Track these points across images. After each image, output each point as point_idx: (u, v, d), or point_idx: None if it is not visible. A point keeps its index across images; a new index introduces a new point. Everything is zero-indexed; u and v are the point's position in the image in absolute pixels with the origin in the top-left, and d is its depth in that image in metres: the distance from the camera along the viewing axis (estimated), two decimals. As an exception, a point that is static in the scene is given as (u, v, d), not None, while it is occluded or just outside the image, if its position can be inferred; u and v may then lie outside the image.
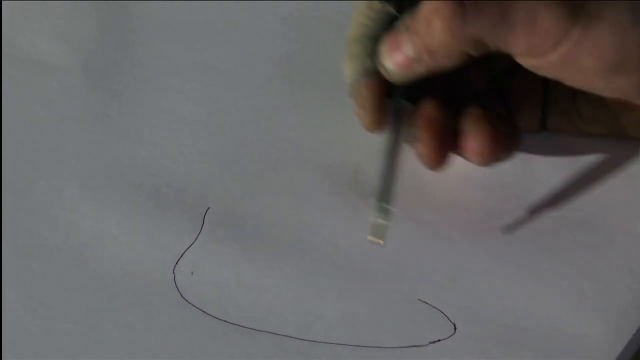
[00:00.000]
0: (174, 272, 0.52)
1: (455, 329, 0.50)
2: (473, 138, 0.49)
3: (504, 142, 0.50)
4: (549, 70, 0.48)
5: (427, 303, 0.50)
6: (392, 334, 0.49)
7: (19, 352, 0.50)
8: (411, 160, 0.51)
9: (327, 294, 0.51)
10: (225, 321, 0.50)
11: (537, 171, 0.55)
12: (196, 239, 0.53)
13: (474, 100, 0.51)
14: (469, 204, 0.54)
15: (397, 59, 0.49)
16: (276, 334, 0.50)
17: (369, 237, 0.49)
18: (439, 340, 0.49)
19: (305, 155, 0.56)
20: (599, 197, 0.54)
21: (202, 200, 0.54)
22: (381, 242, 0.49)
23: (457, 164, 0.54)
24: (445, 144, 0.50)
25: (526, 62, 0.48)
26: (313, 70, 0.60)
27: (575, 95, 0.53)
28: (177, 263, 0.52)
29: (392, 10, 0.52)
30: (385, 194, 0.50)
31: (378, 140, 0.51)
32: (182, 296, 0.51)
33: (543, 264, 0.51)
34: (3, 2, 0.63)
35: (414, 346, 0.49)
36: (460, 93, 0.52)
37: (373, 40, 0.51)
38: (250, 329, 0.50)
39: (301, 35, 0.61)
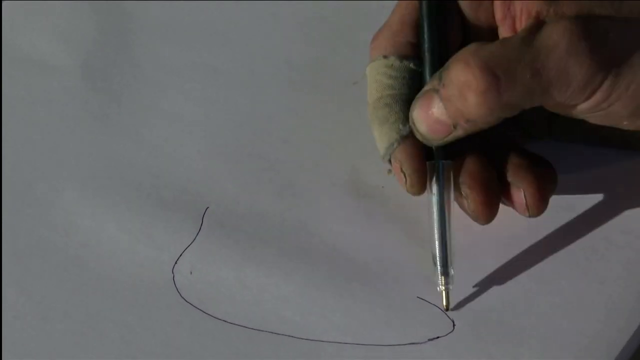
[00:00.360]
0: (173, 272, 0.52)
1: (454, 326, 0.50)
2: (519, 192, 0.49)
3: (548, 190, 0.50)
4: (577, 115, 0.48)
5: (426, 301, 0.50)
6: (391, 332, 0.49)
7: (19, 352, 0.50)
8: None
9: (326, 293, 0.51)
10: (224, 321, 0.50)
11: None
12: (195, 238, 0.53)
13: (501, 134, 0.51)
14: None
15: (432, 125, 0.48)
16: (275, 333, 0.50)
17: (444, 305, 0.50)
18: (438, 337, 0.49)
19: (305, 155, 0.56)
20: (598, 198, 0.54)
21: (201, 200, 0.54)
22: (447, 306, 0.50)
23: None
24: (493, 198, 0.50)
25: (556, 110, 0.48)
26: (313, 71, 0.60)
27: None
28: (176, 263, 0.52)
29: (413, 66, 0.50)
30: (444, 259, 0.50)
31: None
32: (181, 296, 0.51)
33: (543, 264, 0.51)
34: (3, 2, 0.63)
35: (412, 343, 0.49)
36: (491, 133, 0.50)
37: (401, 103, 0.50)
38: (250, 328, 0.50)
39: (301, 36, 0.61)
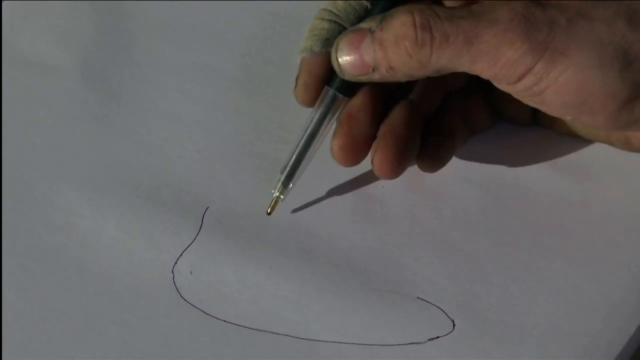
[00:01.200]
0: (172, 272, 0.52)
1: (454, 326, 0.50)
2: (377, 153, 0.51)
3: (408, 160, 0.51)
4: (519, 97, 0.49)
5: (426, 301, 0.50)
6: (391, 332, 0.49)
7: (19, 352, 0.50)
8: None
9: (326, 293, 0.51)
10: (224, 321, 0.50)
11: (535, 170, 0.55)
12: (195, 238, 0.53)
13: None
14: (466, 203, 0.54)
15: (353, 61, 0.49)
16: (275, 333, 0.50)
17: (267, 210, 0.52)
18: (438, 337, 0.49)
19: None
20: (598, 196, 0.54)
21: (201, 200, 0.54)
22: (268, 212, 0.52)
23: (456, 165, 0.54)
24: (358, 143, 0.51)
25: (495, 84, 0.49)
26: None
27: None
28: (176, 263, 0.52)
29: (367, 5, 0.52)
30: (290, 171, 0.52)
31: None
32: (181, 296, 0.51)
33: (542, 263, 0.51)
34: (3, 2, 0.63)
35: (412, 343, 0.49)
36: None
37: (335, 25, 0.51)
38: (249, 328, 0.50)
39: (300, 36, 0.61)
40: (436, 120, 0.54)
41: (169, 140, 0.57)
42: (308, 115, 0.52)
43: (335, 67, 0.50)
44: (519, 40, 0.46)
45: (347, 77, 0.50)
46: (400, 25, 0.48)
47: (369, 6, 0.51)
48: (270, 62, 0.60)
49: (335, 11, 0.52)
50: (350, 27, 0.50)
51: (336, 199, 0.54)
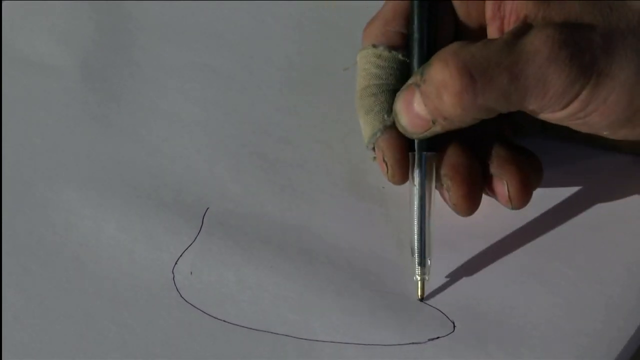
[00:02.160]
0: (173, 272, 0.52)
1: (454, 326, 0.50)
2: (502, 184, 0.49)
3: (532, 183, 0.50)
4: (556, 121, 0.48)
5: (426, 303, 0.50)
6: (391, 332, 0.49)
7: (19, 352, 0.50)
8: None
9: (326, 293, 0.51)
10: (224, 321, 0.50)
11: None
12: (195, 239, 0.53)
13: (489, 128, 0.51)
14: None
15: (412, 119, 0.48)
16: (275, 333, 0.50)
17: (418, 295, 0.50)
18: (438, 337, 0.49)
19: (305, 156, 0.56)
20: (598, 198, 0.54)
21: (201, 201, 0.54)
22: (420, 297, 0.50)
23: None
24: (475, 190, 0.49)
25: (534, 115, 0.48)
26: (312, 71, 0.60)
27: None
28: (176, 263, 0.52)
29: (401, 57, 0.50)
30: (422, 250, 0.50)
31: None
32: (181, 296, 0.51)
33: (542, 263, 0.51)
34: (3, 2, 0.63)
35: (412, 343, 0.49)
36: (478, 125, 0.50)
37: (387, 93, 0.50)
38: (250, 328, 0.50)
39: (300, 36, 0.61)
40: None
41: (169, 140, 0.57)
42: (409, 189, 0.50)
43: (403, 132, 0.49)
44: (565, 68, 0.45)
45: (415, 137, 0.49)
46: (437, 74, 0.46)
47: (401, 56, 0.50)
48: (270, 62, 0.60)
49: (378, 81, 0.50)
50: (400, 89, 0.49)
51: (336, 199, 0.54)
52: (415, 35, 0.50)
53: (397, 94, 0.49)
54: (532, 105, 0.46)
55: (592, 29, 0.46)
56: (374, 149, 0.51)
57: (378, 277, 0.51)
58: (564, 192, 0.54)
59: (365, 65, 0.51)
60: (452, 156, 0.50)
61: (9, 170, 0.56)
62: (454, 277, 0.51)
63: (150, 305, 0.51)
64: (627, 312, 0.50)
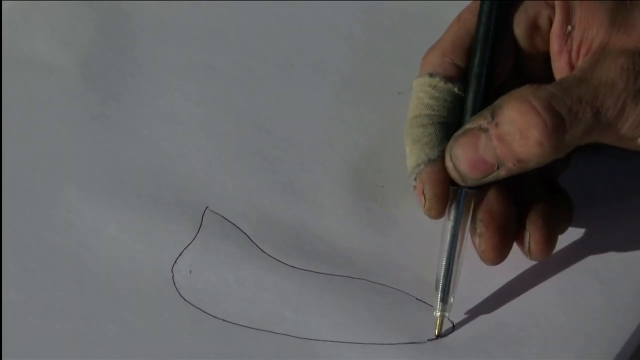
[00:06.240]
0: (172, 272, 0.52)
1: (453, 326, 0.50)
2: (534, 241, 0.49)
3: (556, 237, 0.50)
4: (618, 144, 0.48)
5: (425, 302, 0.51)
6: (390, 332, 0.49)
7: (19, 352, 0.50)
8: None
9: (326, 293, 0.51)
10: (223, 320, 0.50)
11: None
12: (195, 238, 0.53)
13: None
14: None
15: (475, 164, 0.47)
16: (275, 333, 0.50)
17: (435, 332, 0.49)
18: (438, 337, 0.49)
19: (305, 155, 0.56)
20: (598, 197, 0.54)
21: (201, 200, 0.54)
22: (437, 334, 0.49)
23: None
24: (507, 242, 0.49)
25: (609, 143, 0.48)
26: (312, 71, 0.60)
27: None
28: (175, 262, 0.52)
29: (457, 90, 0.50)
30: (446, 287, 0.49)
31: (378, 143, 0.51)
32: (180, 295, 0.51)
33: (542, 264, 0.51)
34: (3, 3, 0.63)
35: (412, 343, 0.49)
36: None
37: (437, 125, 0.49)
38: (249, 328, 0.50)
39: (300, 36, 0.61)
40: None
41: (168, 140, 0.57)
42: (443, 223, 0.50)
43: (454, 176, 0.48)
44: None
45: (470, 183, 0.48)
46: (519, 115, 0.45)
47: (457, 89, 0.50)
48: (270, 62, 0.60)
49: (430, 112, 0.50)
50: (457, 132, 0.48)
51: (336, 199, 0.54)
52: (476, 68, 0.49)
53: (454, 138, 0.48)
54: (612, 136, 0.46)
55: None
56: (415, 179, 0.50)
57: (378, 277, 0.51)
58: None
59: (420, 93, 0.50)
60: (491, 201, 0.49)
61: (9, 170, 0.56)
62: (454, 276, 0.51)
63: (149, 305, 0.51)
64: (627, 312, 0.50)
